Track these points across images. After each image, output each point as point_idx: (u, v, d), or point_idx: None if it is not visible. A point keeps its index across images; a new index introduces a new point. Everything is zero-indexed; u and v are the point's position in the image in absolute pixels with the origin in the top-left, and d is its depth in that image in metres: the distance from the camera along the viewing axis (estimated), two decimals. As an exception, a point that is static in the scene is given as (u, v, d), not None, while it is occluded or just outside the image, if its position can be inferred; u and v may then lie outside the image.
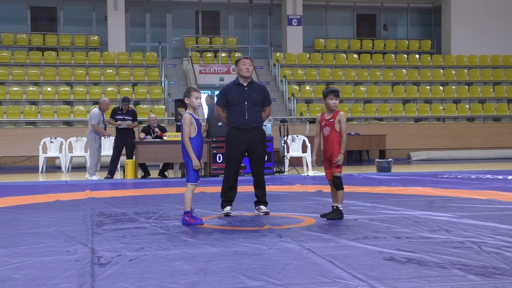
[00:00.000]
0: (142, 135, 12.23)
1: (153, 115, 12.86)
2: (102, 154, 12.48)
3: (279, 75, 20.28)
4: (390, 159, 13.07)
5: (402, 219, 5.78)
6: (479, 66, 22.21)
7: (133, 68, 19.77)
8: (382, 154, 17.27)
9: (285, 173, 12.82)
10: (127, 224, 5.79)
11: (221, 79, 19.10)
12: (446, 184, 9.45)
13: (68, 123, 17.81)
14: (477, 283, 3.38)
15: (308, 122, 16.98)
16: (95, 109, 12.05)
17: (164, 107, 18.29)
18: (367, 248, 4.40)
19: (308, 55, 21.50)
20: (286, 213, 6.43)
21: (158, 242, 4.79)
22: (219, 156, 11.94)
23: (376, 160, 13.20)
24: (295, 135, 13.94)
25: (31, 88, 18.25)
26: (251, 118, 6.38)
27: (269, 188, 7.78)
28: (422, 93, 20.72)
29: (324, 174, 6.22)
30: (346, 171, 10.21)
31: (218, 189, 6.98)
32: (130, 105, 12.63)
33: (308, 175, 12.37)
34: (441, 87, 21.04)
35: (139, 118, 14.47)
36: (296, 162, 13.94)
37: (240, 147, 6.40)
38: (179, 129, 13.05)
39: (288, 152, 13.49)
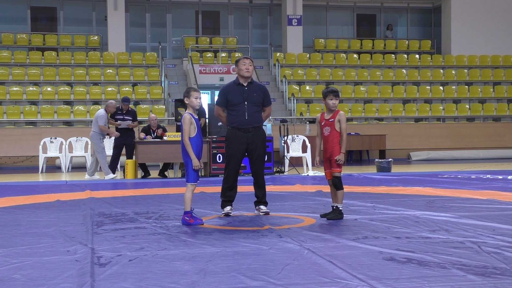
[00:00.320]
0: (142, 135, 12.23)
1: (153, 115, 12.87)
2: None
3: (279, 75, 20.28)
4: (390, 159, 13.07)
5: (402, 219, 5.78)
6: (479, 66, 22.21)
7: (133, 68, 19.77)
8: (382, 154, 17.26)
9: (285, 173, 12.82)
10: (127, 224, 5.79)
11: (221, 79, 19.09)
12: (446, 184, 9.45)
13: (68, 123, 17.81)
14: (477, 283, 3.38)
15: (308, 122, 16.98)
16: (102, 111, 12.00)
17: (164, 107, 18.29)
18: (367, 248, 4.40)
19: (308, 55, 21.51)
20: (286, 213, 6.43)
21: (158, 242, 4.79)
22: (219, 156, 11.94)
23: (376, 160, 13.21)
24: (295, 135, 13.94)
25: (31, 88, 18.25)
26: (251, 118, 6.38)
27: (269, 188, 7.78)
28: (422, 93, 20.73)
29: (324, 174, 6.21)
30: (346, 171, 10.22)
31: (218, 189, 6.98)
32: (130, 105, 12.64)
33: (308, 175, 12.38)
34: (441, 87, 21.04)
35: (139, 118, 14.48)
36: (296, 162, 13.94)
37: (240, 147, 6.39)
38: (179, 129, 13.06)
39: (288, 152, 13.49)
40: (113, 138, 12.70)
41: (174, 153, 11.62)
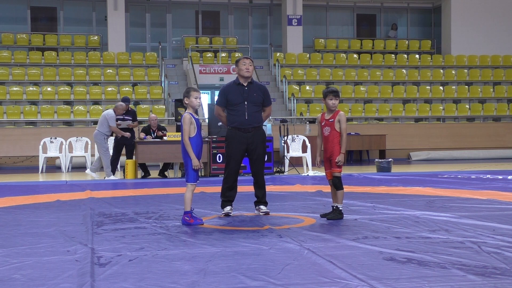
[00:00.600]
0: (142, 135, 12.23)
1: (153, 115, 12.87)
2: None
3: (279, 75, 20.28)
4: (390, 159, 13.07)
5: (402, 219, 5.78)
6: (479, 66, 22.21)
7: (133, 68, 19.77)
8: (382, 154, 17.26)
9: (285, 173, 12.82)
10: (127, 224, 5.79)
11: (221, 79, 19.10)
12: (446, 184, 9.45)
13: (68, 123, 17.81)
14: (477, 283, 3.38)
15: (308, 122, 16.98)
16: (111, 111, 11.95)
17: (164, 107, 18.29)
18: (367, 248, 4.40)
19: (308, 55, 21.51)
20: (286, 213, 6.43)
21: (158, 242, 4.79)
22: (219, 156, 11.93)
23: (376, 160, 13.21)
24: (295, 135, 13.94)
25: (31, 88, 18.25)
26: (251, 118, 6.38)
27: (269, 188, 7.78)
28: (422, 93, 20.72)
29: (324, 174, 6.22)
30: (346, 171, 10.22)
31: (218, 189, 6.98)
32: (130, 105, 12.64)
33: (308, 175, 12.38)
34: (441, 87, 21.04)
35: (139, 118, 14.48)
36: (296, 162, 13.94)
37: (240, 147, 6.40)
38: (179, 129, 13.06)
39: (288, 152, 13.49)
40: (113, 138, 12.68)
41: (174, 153, 11.62)
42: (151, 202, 7.62)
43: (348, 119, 18.29)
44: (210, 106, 13.06)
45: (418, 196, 7.91)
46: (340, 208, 5.97)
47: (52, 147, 14.62)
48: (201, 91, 6.49)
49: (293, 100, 18.62)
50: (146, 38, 22.17)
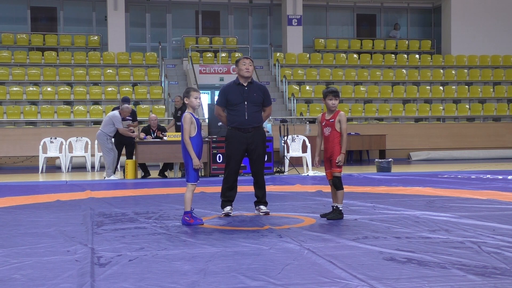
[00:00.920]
0: (142, 135, 12.23)
1: (153, 115, 12.88)
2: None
3: (279, 75, 20.28)
4: (390, 159, 13.07)
5: (402, 219, 5.78)
6: (479, 66, 22.20)
7: (133, 68, 19.77)
8: (382, 154, 17.26)
9: (285, 173, 12.82)
10: (127, 224, 5.79)
11: (221, 79, 19.09)
12: (446, 184, 9.45)
13: (68, 123, 17.81)
14: (477, 283, 3.38)
15: (308, 122, 16.97)
16: (116, 113, 11.90)
17: (164, 107, 18.28)
18: (367, 248, 4.40)
19: (308, 55, 21.51)
20: (286, 213, 6.43)
21: (158, 242, 4.79)
22: (219, 156, 11.93)
23: (376, 160, 13.21)
24: (295, 135, 13.93)
25: (31, 88, 18.25)
26: (251, 118, 6.38)
27: (269, 188, 7.78)
28: (422, 93, 20.72)
29: (324, 174, 6.22)
30: (346, 171, 10.22)
31: (218, 189, 6.98)
32: (130, 105, 12.63)
33: (308, 175, 12.37)
34: (441, 87, 21.04)
35: (139, 118, 14.48)
36: (296, 162, 13.94)
37: (240, 147, 6.40)
38: (178, 129, 13.07)
39: (288, 152, 13.49)
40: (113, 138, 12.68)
41: (174, 153, 11.62)
42: (151, 202, 7.62)
43: (348, 119, 18.29)
44: (210, 106, 13.06)
45: (418, 196, 7.91)
46: (340, 208, 5.97)
47: (52, 147, 14.62)
48: (201, 91, 6.49)
49: (293, 100, 18.62)
50: (146, 38, 22.17)
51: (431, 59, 22.17)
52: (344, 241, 4.71)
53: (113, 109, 12.85)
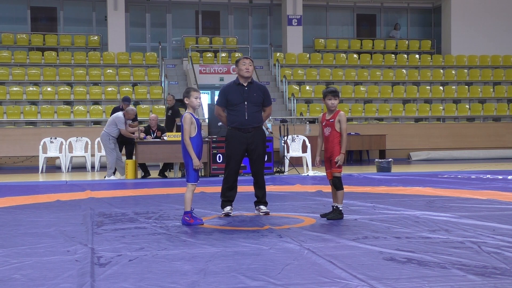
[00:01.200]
0: (142, 135, 12.23)
1: (153, 115, 12.88)
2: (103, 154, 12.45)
3: (279, 75, 20.28)
4: (390, 159, 13.07)
5: (402, 219, 5.78)
6: (479, 66, 22.20)
7: (133, 68, 19.77)
8: (382, 154, 17.26)
9: (285, 173, 12.82)
10: (127, 224, 5.79)
11: (221, 79, 19.09)
12: (446, 184, 9.45)
13: (68, 123, 17.81)
14: (477, 283, 3.38)
15: (308, 122, 16.97)
16: (120, 115, 11.89)
17: (164, 107, 18.27)
18: (367, 248, 4.40)
19: (308, 55, 21.50)
20: (286, 213, 6.43)
21: (158, 242, 4.79)
22: (219, 156, 11.93)
23: (376, 160, 13.21)
24: (295, 135, 13.93)
25: (31, 88, 18.25)
26: (251, 118, 6.38)
27: (269, 188, 7.78)
28: (422, 93, 20.72)
29: (324, 174, 6.22)
30: (346, 171, 10.22)
31: (218, 189, 6.98)
32: (130, 105, 12.63)
33: (308, 175, 12.37)
34: (441, 87, 21.04)
35: (139, 118, 14.47)
36: (296, 162, 13.94)
37: (240, 147, 6.40)
38: (178, 129, 13.06)
39: (288, 152, 13.49)
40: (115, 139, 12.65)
41: (174, 153, 11.62)
42: (151, 202, 7.62)
43: (348, 119, 18.29)
44: (210, 106, 13.06)
45: (418, 196, 7.91)
46: (340, 208, 5.97)
47: (52, 147, 14.62)
48: (201, 91, 6.49)
49: (293, 100, 18.62)
50: (146, 38, 22.17)
51: (431, 59, 22.17)
52: (344, 241, 4.71)
53: (113, 109, 12.86)
